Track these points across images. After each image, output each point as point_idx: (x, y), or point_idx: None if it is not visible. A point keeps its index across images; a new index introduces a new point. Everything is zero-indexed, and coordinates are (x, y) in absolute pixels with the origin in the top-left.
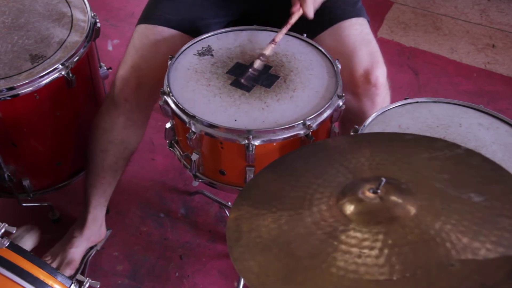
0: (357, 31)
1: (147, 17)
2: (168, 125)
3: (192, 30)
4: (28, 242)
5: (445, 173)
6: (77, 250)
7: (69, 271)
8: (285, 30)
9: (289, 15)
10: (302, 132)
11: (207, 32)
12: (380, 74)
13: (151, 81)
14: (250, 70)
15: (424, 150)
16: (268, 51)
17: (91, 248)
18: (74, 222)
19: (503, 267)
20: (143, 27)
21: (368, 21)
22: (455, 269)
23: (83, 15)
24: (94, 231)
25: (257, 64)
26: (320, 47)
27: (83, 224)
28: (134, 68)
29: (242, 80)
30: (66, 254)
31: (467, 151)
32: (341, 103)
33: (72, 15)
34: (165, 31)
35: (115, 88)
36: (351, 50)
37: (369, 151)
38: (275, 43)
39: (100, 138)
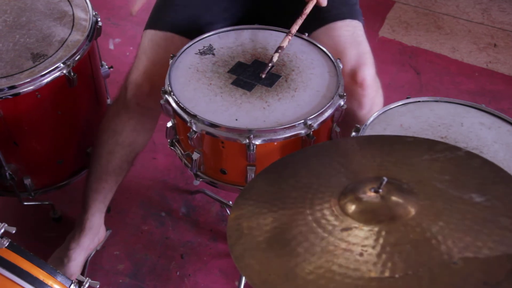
0: (349, 33)
1: (156, 22)
2: (169, 124)
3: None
4: None
5: (446, 174)
6: (75, 263)
7: None
8: (300, 20)
9: (295, 13)
10: (303, 131)
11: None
12: (367, 75)
13: (163, 85)
14: (270, 65)
15: (425, 152)
16: (285, 43)
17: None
18: (75, 222)
19: (506, 266)
20: (152, 33)
21: (363, 25)
22: (457, 267)
23: (85, 14)
24: (92, 239)
25: (276, 58)
26: (321, 47)
27: (80, 233)
28: (147, 75)
29: (262, 75)
30: (65, 270)
31: (467, 153)
32: (342, 103)
33: (73, 14)
34: (175, 38)
35: (127, 92)
36: (341, 51)
37: (370, 153)
38: (291, 35)
39: (109, 140)
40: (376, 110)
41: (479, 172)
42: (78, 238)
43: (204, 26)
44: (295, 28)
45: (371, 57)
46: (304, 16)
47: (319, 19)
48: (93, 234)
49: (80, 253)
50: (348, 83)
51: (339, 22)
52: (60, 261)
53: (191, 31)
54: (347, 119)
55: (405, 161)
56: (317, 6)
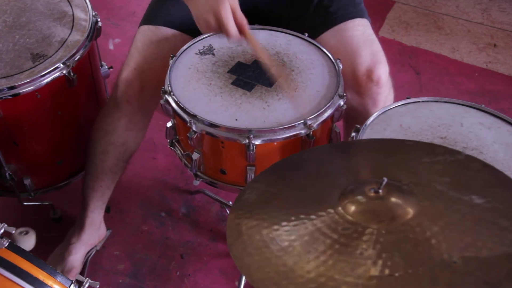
0: (360, 32)
1: (149, 18)
2: (169, 124)
3: (194, 31)
4: (25, 245)
5: (446, 177)
6: (76, 257)
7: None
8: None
9: (293, 13)
10: (303, 131)
11: None
12: (383, 73)
13: (154, 83)
14: None
15: (425, 155)
16: None
17: (91, 249)
18: (75, 222)
19: (506, 265)
20: (145, 28)
21: (370, 23)
22: (457, 266)
23: (84, 14)
24: (92, 234)
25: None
26: (321, 47)
27: (80, 229)
28: (137, 71)
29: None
30: (65, 263)
31: (467, 157)
32: (342, 103)
33: (73, 14)
34: (167, 32)
35: (117, 90)
36: (355, 51)
37: (370, 156)
38: None
39: (101, 140)
40: None
41: (479, 175)
42: (78, 234)
43: None
44: None
45: (383, 55)
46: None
47: (327, 21)
48: (94, 230)
49: (81, 247)
50: (363, 82)
51: (349, 23)
52: (61, 255)
53: (185, 25)
54: (359, 118)
55: (405, 164)
56: (324, 8)
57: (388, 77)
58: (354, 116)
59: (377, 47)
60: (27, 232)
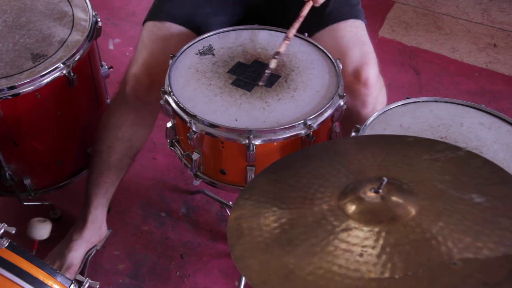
0: (352, 33)
1: (154, 14)
2: (169, 124)
3: (198, 28)
4: (40, 232)
5: (446, 174)
6: (76, 254)
7: (68, 276)
8: (297, 24)
9: (293, 13)
10: (303, 132)
11: (212, 30)
12: (371, 74)
13: (162, 78)
14: (266, 71)
15: (425, 152)
16: (282, 49)
17: (91, 248)
18: (75, 222)
19: (505, 267)
20: (151, 24)
21: (366, 24)
22: (457, 267)
23: (85, 14)
24: (94, 232)
25: (273, 64)
26: (321, 47)
27: (82, 226)
28: (145, 66)
29: (260, 83)
30: (65, 259)
31: (468, 153)
32: (342, 103)
33: (73, 14)
34: (172, 27)
35: (126, 85)
36: (344, 51)
37: (370, 153)
38: (288, 40)
39: (108, 134)
40: (379, 108)
41: (480, 172)
42: (80, 231)
43: (202, 16)
44: (292, 32)
45: (374, 56)
46: (301, 19)
47: (322, 21)
48: (96, 228)
49: (82, 244)
50: (351, 83)
51: (342, 23)
52: (61, 252)
53: (189, 21)
54: (351, 117)
55: (406, 161)
56: (320, 9)
57: (377, 78)
58: (347, 115)
59: (368, 48)
60: (44, 220)
